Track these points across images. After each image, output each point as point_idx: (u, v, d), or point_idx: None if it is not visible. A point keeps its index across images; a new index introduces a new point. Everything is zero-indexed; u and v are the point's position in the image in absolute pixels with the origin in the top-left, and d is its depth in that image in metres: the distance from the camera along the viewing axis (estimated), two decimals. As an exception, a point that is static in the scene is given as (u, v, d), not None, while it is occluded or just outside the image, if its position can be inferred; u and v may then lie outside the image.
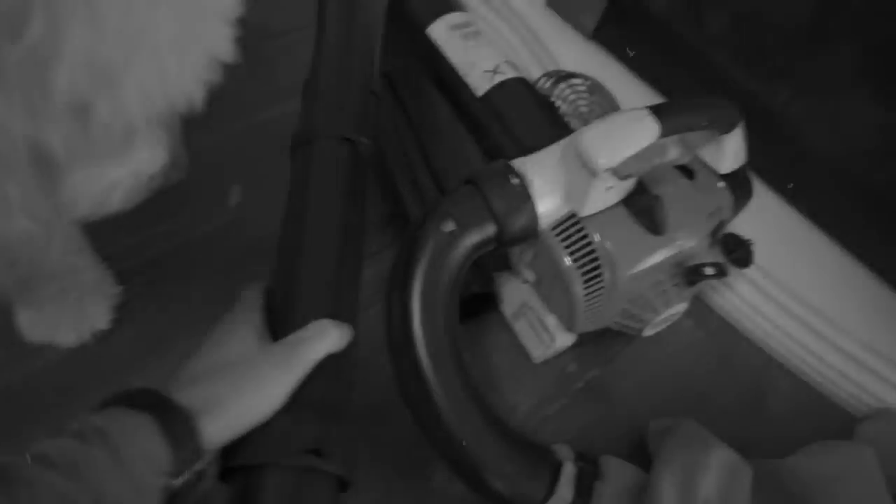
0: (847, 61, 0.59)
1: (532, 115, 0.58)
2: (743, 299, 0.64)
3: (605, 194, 0.45)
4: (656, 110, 0.43)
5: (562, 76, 0.60)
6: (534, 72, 0.68)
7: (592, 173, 0.42)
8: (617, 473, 0.45)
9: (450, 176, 0.56)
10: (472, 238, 0.44)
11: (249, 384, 0.35)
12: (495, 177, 0.45)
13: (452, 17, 0.63)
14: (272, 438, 0.35)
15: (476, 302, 0.56)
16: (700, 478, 0.46)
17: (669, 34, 0.69)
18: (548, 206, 0.45)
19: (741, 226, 0.61)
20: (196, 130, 0.41)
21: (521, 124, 0.57)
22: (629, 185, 0.46)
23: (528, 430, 0.54)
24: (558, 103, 0.60)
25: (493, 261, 0.56)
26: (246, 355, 0.36)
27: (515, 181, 0.45)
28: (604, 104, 0.59)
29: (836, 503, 0.49)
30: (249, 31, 0.37)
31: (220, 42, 0.34)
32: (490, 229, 0.45)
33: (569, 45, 0.74)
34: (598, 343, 0.60)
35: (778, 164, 0.68)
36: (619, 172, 0.41)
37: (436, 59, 0.62)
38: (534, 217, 0.45)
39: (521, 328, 0.57)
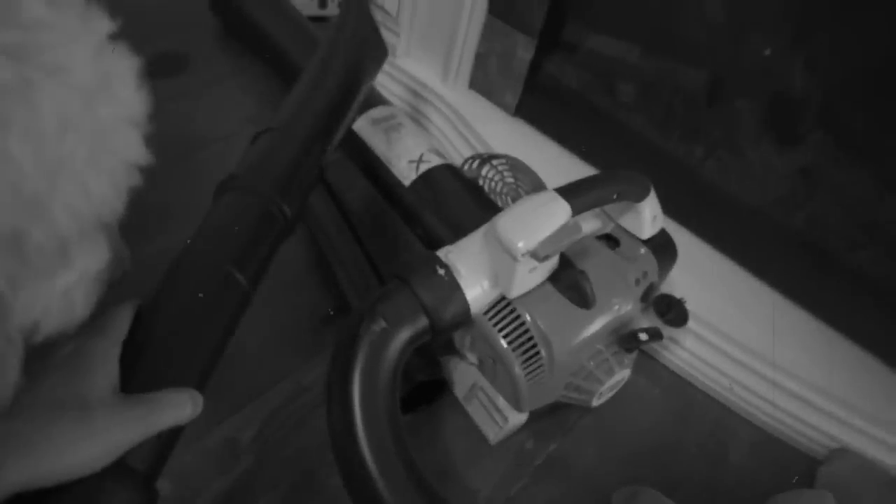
0: (747, 117, 0.63)
1: (460, 199, 0.59)
2: (692, 353, 0.65)
3: (531, 275, 0.46)
4: (564, 192, 0.44)
5: (484, 158, 0.63)
6: (465, 153, 0.71)
7: (513, 258, 0.43)
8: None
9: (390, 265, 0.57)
10: (406, 333, 0.45)
11: (82, 433, 0.31)
12: (422, 270, 0.46)
13: (375, 112, 0.65)
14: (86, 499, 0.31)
15: (425, 389, 0.56)
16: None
17: (586, 105, 0.73)
18: (476, 292, 0.46)
19: (681, 282, 0.63)
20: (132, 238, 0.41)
21: (450, 209, 0.58)
22: (553, 263, 0.47)
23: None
24: (484, 184, 0.62)
25: (439, 346, 0.57)
26: (91, 400, 0.32)
27: (442, 272, 0.46)
28: (526, 181, 0.61)
29: (804, 554, 0.49)
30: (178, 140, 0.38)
31: (134, 149, 0.34)
32: (422, 322, 0.45)
33: (495, 125, 0.77)
34: (553, 415, 0.60)
35: (706, 218, 0.70)
36: (537, 255, 0.43)
37: (363, 152, 0.64)
38: (464, 305, 0.46)
39: (475, 410, 0.57)
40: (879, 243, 0.61)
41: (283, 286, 0.66)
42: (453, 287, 0.46)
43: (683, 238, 0.72)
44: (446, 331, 0.47)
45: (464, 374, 0.56)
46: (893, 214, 0.59)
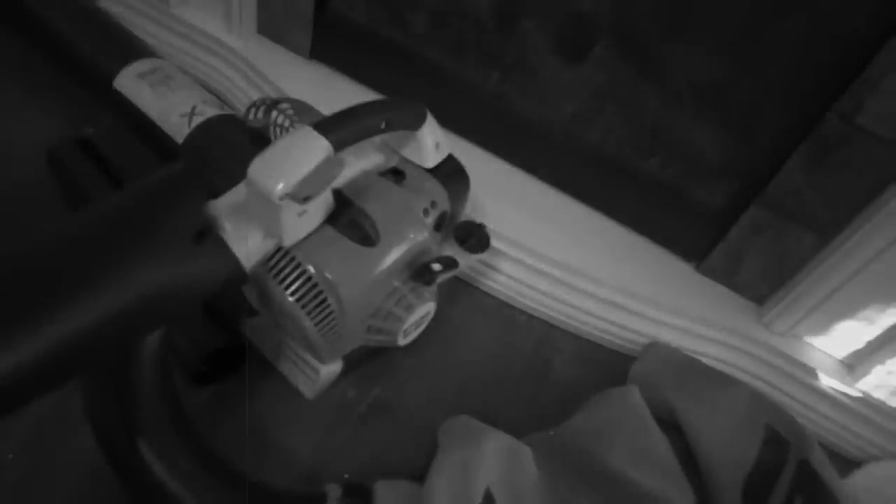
0: (535, 37, 0.62)
1: (242, 150, 0.54)
2: (509, 276, 0.66)
3: (302, 220, 0.43)
4: (322, 126, 0.41)
5: (269, 104, 0.58)
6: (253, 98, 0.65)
7: (273, 203, 0.40)
8: (387, 496, 0.44)
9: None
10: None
11: None
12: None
13: (138, 66, 0.58)
14: None
15: (226, 357, 0.53)
16: (475, 472, 0.46)
17: (380, 41, 0.70)
18: (247, 246, 0.43)
19: (493, 209, 0.63)
20: None
21: (230, 163, 0.54)
22: (327, 204, 0.45)
23: (313, 471, 0.51)
24: (274, 133, 0.58)
25: (240, 309, 0.53)
26: None
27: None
28: (312, 124, 0.58)
29: (613, 445, 0.51)
30: None
31: None
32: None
33: (291, 69, 0.73)
34: (375, 360, 0.58)
35: (511, 141, 0.71)
36: (297, 196, 0.40)
37: (131, 112, 0.58)
38: (234, 261, 0.42)
39: (286, 368, 0.54)
40: (666, 149, 0.64)
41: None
42: (216, 242, 0.42)
43: (491, 164, 0.72)
44: (220, 292, 0.43)
45: (268, 334, 0.53)
46: (675, 120, 0.62)
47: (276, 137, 0.58)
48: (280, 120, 0.59)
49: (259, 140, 0.57)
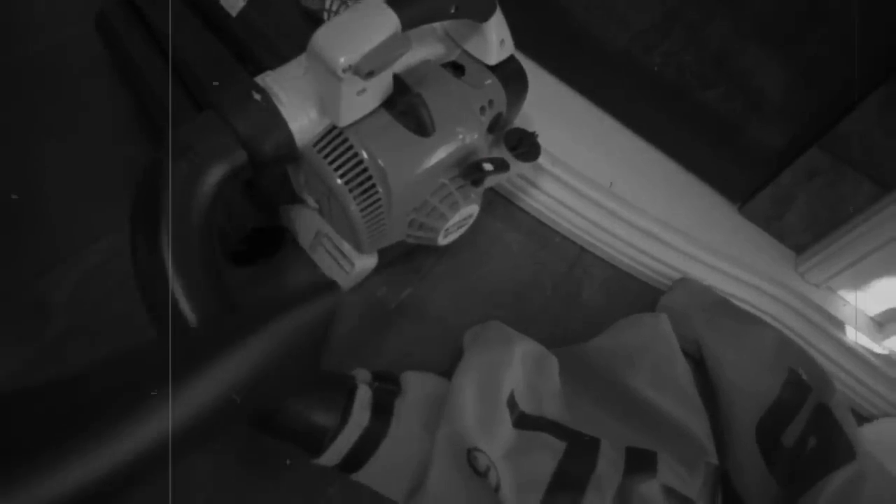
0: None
1: (295, 29, 0.53)
2: (549, 195, 0.64)
3: (360, 99, 0.42)
4: (393, 2, 0.39)
5: (326, -16, 0.56)
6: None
7: (335, 74, 0.39)
8: (415, 387, 0.44)
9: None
10: (220, 168, 0.40)
11: None
12: (234, 95, 0.40)
13: (194, -71, 0.56)
14: None
15: (264, 240, 0.52)
16: (503, 374, 0.46)
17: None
18: (302, 121, 0.42)
19: (538, 121, 0.61)
20: None
21: (283, 41, 0.52)
22: (385, 86, 0.43)
23: (343, 361, 0.52)
24: (327, 17, 0.56)
25: (277, 193, 0.52)
26: None
27: (258, 97, 0.40)
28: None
29: (638, 368, 0.51)
30: None
31: None
32: (240, 155, 0.40)
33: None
34: (408, 262, 0.58)
35: (567, 58, 0.68)
36: (360, 70, 0.38)
37: (184, -22, 0.55)
38: (287, 134, 0.41)
39: (321, 258, 0.54)
40: (729, 81, 0.61)
41: (102, 137, 0.59)
42: (273, 114, 0.41)
43: (544, 79, 0.69)
44: (269, 165, 0.42)
45: (307, 221, 0.53)
46: (744, 53, 0.59)
47: (330, 21, 0.56)
48: (335, 6, 0.57)
49: (313, 21, 0.55)
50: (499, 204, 0.65)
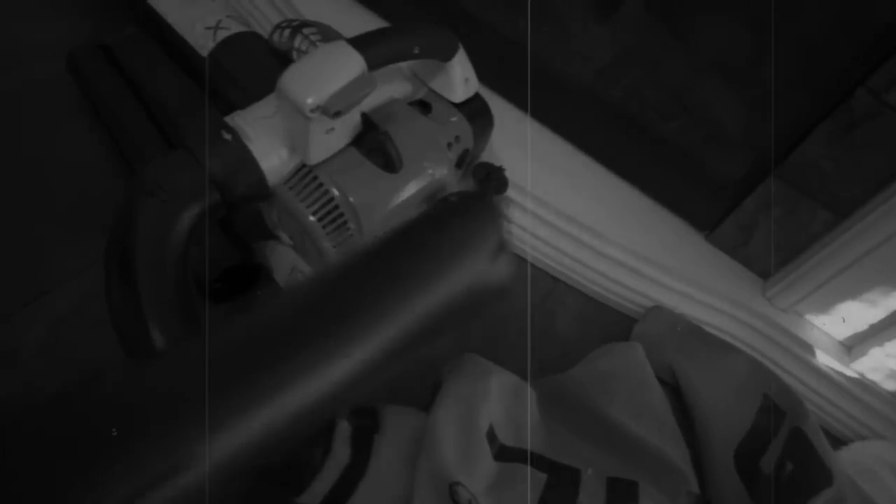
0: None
1: (266, 70, 0.53)
2: (518, 225, 0.65)
3: (329, 138, 0.42)
4: (358, 42, 0.41)
5: (295, 27, 0.57)
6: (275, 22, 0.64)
7: (303, 114, 0.39)
8: (395, 422, 0.44)
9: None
10: (192, 208, 0.40)
11: None
12: (207, 136, 0.41)
13: (164, -25, 0.57)
14: None
15: (240, 277, 0.52)
16: (481, 406, 0.46)
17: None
18: (272, 160, 0.42)
19: (507, 155, 0.62)
20: None
21: (254, 81, 0.52)
22: (354, 124, 0.44)
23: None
24: (296, 56, 0.57)
25: (252, 231, 0.52)
26: None
27: (228, 136, 0.41)
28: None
29: (613, 396, 0.52)
30: None
31: None
32: (212, 196, 0.41)
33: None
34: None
35: (532, 92, 0.70)
36: (328, 110, 0.39)
37: (156, 22, 0.56)
38: (259, 175, 0.42)
39: (294, 296, 0.54)
40: (688, 114, 0.63)
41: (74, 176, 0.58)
42: (242, 153, 0.41)
43: (509, 113, 0.71)
44: (241, 204, 0.42)
45: (282, 258, 0.53)
46: (700, 87, 0.61)
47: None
48: (305, 46, 0.58)
49: (283, 61, 0.56)
50: (471, 237, 0.66)
